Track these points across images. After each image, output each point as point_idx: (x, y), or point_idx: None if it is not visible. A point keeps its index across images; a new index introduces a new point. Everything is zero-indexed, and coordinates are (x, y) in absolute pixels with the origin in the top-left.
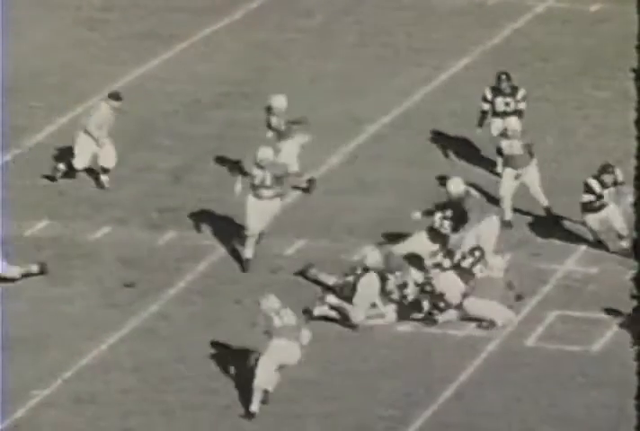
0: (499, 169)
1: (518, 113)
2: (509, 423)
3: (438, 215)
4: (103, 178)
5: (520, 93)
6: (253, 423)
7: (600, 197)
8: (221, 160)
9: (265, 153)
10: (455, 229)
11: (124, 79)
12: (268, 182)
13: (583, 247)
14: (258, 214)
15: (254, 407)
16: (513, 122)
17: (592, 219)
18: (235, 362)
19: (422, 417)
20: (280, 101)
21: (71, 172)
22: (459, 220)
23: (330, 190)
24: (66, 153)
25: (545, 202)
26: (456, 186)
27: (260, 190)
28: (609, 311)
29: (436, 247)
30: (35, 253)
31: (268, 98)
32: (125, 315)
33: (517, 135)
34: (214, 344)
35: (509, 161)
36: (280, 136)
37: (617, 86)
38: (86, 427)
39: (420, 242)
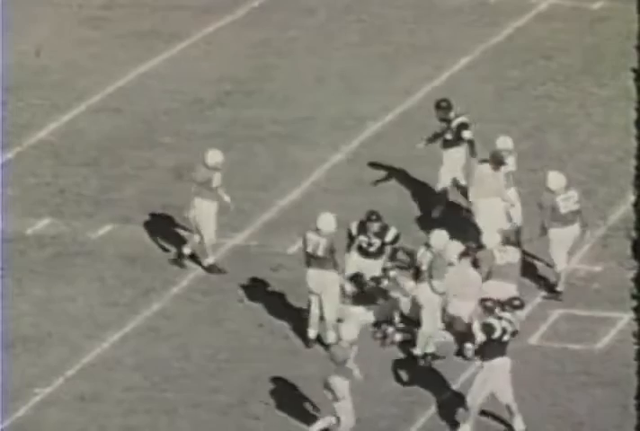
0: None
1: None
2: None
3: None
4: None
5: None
6: (256, 422)
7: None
8: None
9: None
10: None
11: (126, 77)
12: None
13: (587, 245)
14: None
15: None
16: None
17: None
18: None
19: (424, 416)
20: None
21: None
22: None
23: (332, 189)
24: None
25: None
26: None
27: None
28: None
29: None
30: (37, 251)
31: (271, 98)
32: (127, 313)
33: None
34: None
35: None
36: None
37: (620, 84)
38: (89, 425)
39: None
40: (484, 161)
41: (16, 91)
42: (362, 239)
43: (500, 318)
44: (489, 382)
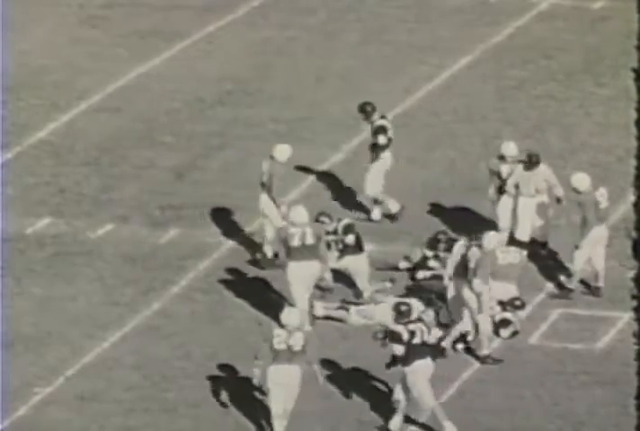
0: None
1: None
2: (511, 421)
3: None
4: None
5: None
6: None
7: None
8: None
9: None
10: None
11: (126, 77)
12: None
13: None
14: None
15: None
16: None
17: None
18: None
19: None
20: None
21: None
22: None
23: (332, 188)
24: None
25: None
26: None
27: None
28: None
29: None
30: (37, 251)
31: (271, 97)
32: (127, 313)
33: None
34: None
35: None
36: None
37: (620, 84)
38: (88, 425)
39: None
40: (520, 161)
41: (16, 91)
42: (331, 239)
43: (408, 322)
44: (417, 384)
